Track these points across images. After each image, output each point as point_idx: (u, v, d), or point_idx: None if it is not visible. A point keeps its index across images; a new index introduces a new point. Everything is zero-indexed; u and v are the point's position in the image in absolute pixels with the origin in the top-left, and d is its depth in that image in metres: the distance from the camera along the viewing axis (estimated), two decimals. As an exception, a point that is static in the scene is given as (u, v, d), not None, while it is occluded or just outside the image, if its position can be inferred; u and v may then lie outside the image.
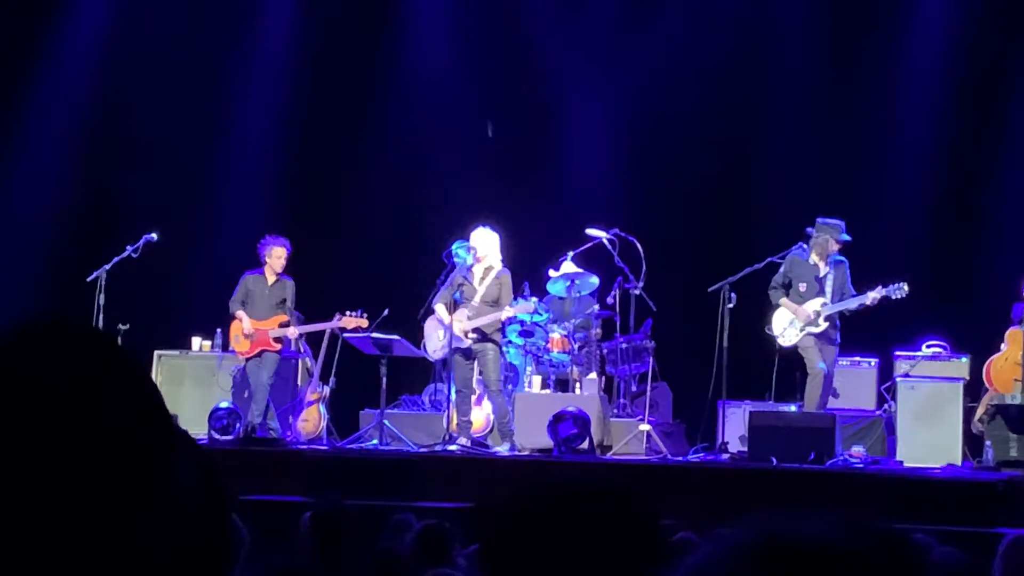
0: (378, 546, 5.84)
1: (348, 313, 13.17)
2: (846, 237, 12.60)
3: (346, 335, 13.37)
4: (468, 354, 12.89)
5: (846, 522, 1.30)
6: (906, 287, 12.42)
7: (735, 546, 1.29)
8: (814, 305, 12.56)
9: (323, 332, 13.49)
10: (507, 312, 12.86)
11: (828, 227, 12.62)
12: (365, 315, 13.18)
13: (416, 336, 13.50)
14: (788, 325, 12.66)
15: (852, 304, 12.52)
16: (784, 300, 12.66)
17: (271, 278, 13.37)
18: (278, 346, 13.28)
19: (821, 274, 12.65)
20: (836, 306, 12.54)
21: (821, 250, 12.62)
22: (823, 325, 12.55)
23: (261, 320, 13.27)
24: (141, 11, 16.43)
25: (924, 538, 6.58)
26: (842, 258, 12.71)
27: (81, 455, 1.39)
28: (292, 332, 13.34)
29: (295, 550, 6.01)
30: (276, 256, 13.29)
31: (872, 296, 12.45)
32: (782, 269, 12.75)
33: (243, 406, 13.22)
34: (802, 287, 12.66)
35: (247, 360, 13.35)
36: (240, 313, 13.32)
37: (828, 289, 12.59)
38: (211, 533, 1.55)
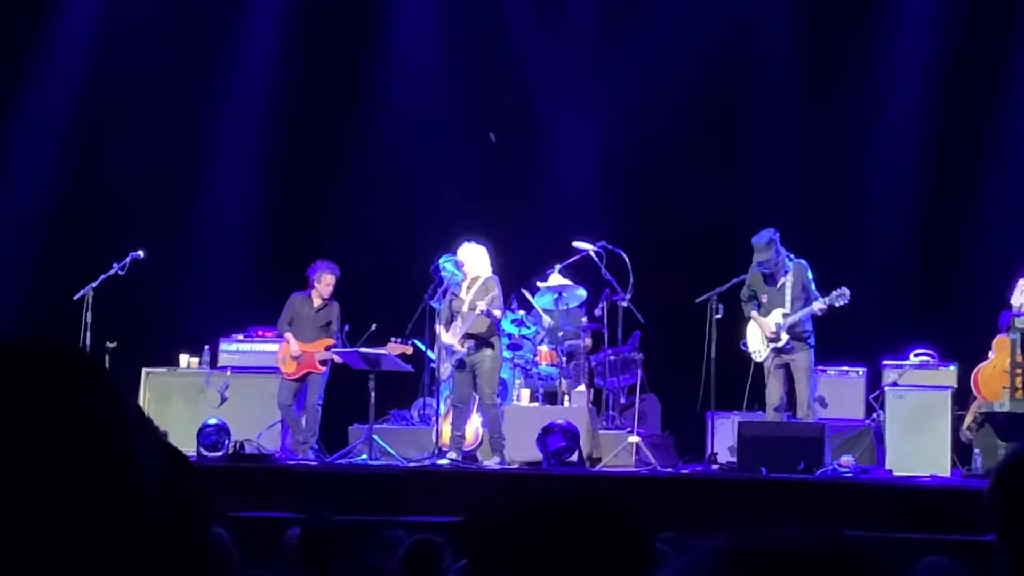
0: (367, 562, 5.83)
1: (394, 340, 13.20)
2: (766, 255, 12.50)
3: (335, 350, 13.37)
4: (468, 368, 12.83)
5: (813, 531, 1.32)
6: (847, 292, 12.42)
7: (705, 555, 1.31)
8: (775, 317, 12.58)
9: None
10: (480, 305, 12.68)
11: (754, 248, 12.61)
12: (411, 343, 13.22)
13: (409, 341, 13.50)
14: (759, 342, 12.69)
15: (806, 313, 12.51)
16: (754, 314, 12.69)
17: (317, 301, 13.44)
18: (323, 368, 13.36)
19: (778, 284, 12.65)
20: (793, 316, 12.53)
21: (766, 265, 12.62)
22: (784, 338, 12.56)
23: (307, 343, 13.34)
24: (122, 30, 16.39)
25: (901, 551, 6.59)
26: (801, 261, 12.71)
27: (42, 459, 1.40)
28: (336, 357, 13.36)
29: (283, 566, 5.99)
30: (325, 283, 13.42)
31: (818, 307, 12.47)
32: (746, 282, 12.76)
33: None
34: (764, 299, 12.70)
35: (284, 380, 13.37)
36: (289, 335, 13.39)
37: (787, 297, 12.59)
38: (189, 538, 1.56)
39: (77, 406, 1.44)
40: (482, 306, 12.57)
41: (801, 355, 12.58)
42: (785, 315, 12.53)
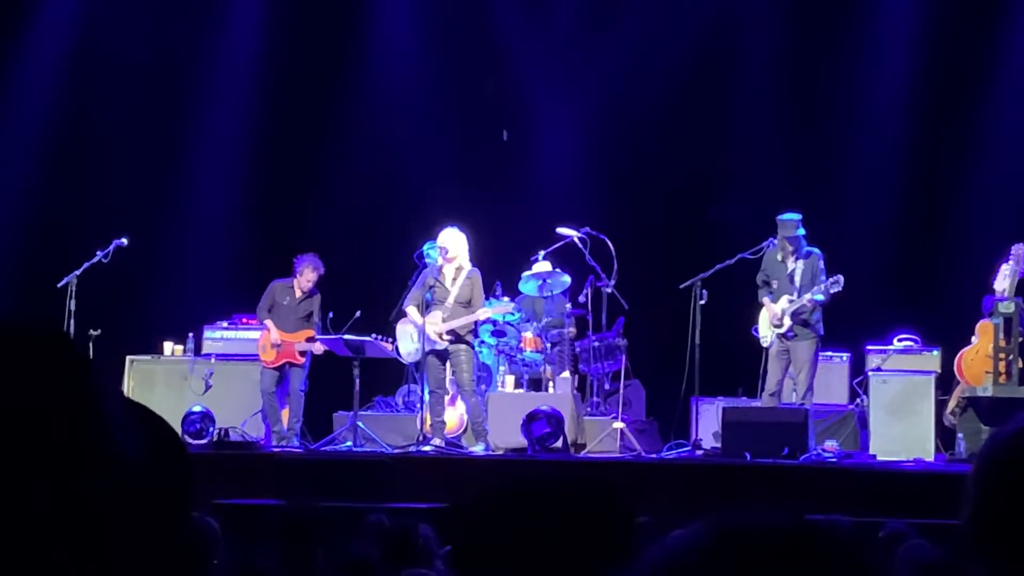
0: (351, 549, 5.83)
1: (375, 337, 13.20)
2: (794, 233, 12.55)
3: (319, 337, 13.36)
4: (442, 356, 12.86)
5: (792, 514, 1.34)
6: (841, 279, 12.45)
7: (684, 538, 1.32)
8: (782, 304, 12.61)
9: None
10: (484, 312, 12.85)
11: (781, 224, 12.65)
12: (391, 340, 13.22)
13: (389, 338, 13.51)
14: (768, 327, 12.72)
15: (807, 301, 12.52)
16: (766, 300, 12.72)
17: (298, 292, 13.42)
18: (302, 359, 13.33)
19: (789, 270, 12.68)
20: (796, 303, 12.55)
21: (784, 247, 12.65)
22: (787, 324, 12.58)
23: (288, 333, 13.32)
24: (106, 14, 16.34)
25: (898, 525, 6.60)
26: (814, 249, 12.72)
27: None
28: (318, 348, 13.34)
29: (267, 553, 5.99)
30: (307, 278, 13.37)
31: (812, 297, 12.49)
32: (761, 266, 12.80)
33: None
34: (774, 284, 12.72)
35: (265, 368, 13.36)
36: (269, 323, 13.37)
37: (797, 284, 12.61)
38: (170, 500, 1.61)
39: (52, 377, 1.49)
40: (487, 312, 12.75)
41: (803, 344, 12.57)
42: (791, 301, 12.55)
